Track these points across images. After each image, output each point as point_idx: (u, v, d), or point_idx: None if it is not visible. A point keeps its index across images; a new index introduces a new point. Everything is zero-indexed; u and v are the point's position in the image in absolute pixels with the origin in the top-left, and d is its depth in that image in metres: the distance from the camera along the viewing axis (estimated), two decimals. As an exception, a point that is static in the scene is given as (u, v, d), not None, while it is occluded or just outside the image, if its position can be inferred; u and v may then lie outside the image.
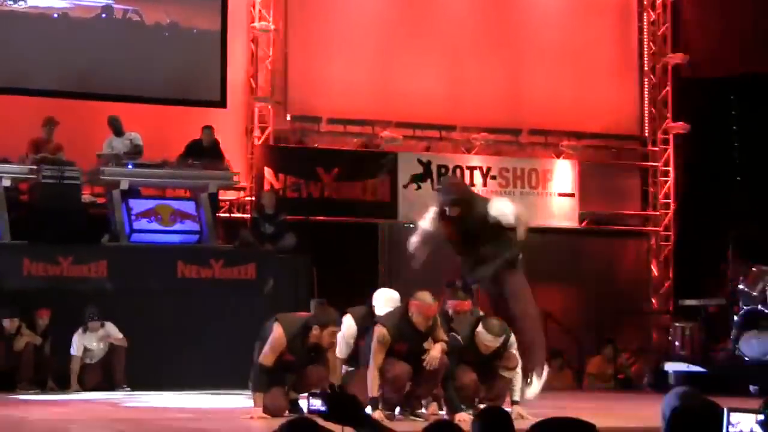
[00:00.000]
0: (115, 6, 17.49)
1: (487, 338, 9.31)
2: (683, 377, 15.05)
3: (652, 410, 6.05)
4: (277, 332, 10.01)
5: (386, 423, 7.73)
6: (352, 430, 4.65)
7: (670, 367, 15.57)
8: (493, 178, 18.46)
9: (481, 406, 9.02)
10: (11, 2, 17.32)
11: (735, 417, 4.29)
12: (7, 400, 12.28)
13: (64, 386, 13.80)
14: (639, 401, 13.15)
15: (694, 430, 4.26)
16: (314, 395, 4.97)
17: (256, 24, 17.90)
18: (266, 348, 9.93)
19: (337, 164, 17.83)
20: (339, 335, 9.99)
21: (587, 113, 19.59)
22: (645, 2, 19.90)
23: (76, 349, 13.90)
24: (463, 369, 9.54)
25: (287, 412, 9.92)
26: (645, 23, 19.90)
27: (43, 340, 13.94)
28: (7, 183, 15.04)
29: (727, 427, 4.25)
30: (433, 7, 19.18)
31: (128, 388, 13.80)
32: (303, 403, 8.57)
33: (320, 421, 4.33)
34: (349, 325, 10.18)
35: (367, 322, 10.19)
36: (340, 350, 10.03)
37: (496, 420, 4.37)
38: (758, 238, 16.47)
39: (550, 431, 4.19)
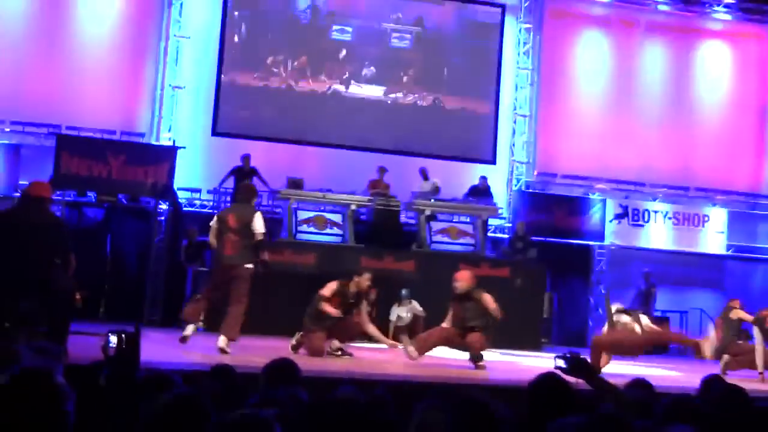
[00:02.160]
0: (424, 95, 20.77)
1: None
2: None
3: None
4: (331, 283, 11.83)
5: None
6: (584, 383, 5.11)
7: None
8: (670, 218, 20.89)
9: None
10: (356, 87, 20.39)
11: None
12: (347, 346, 12.87)
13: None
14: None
15: None
16: (559, 357, 5.26)
17: (517, 111, 20.89)
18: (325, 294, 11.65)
19: (565, 205, 20.47)
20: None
21: (736, 178, 22.07)
22: None
23: (393, 316, 15.87)
24: None
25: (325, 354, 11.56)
26: None
27: (372, 308, 14.64)
28: (353, 207, 17.18)
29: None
30: (632, 98, 21.65)
31: None
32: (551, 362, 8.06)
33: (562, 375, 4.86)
34: None
35: None
36: None
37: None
38: None
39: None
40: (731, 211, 21.61)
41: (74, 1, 19.10)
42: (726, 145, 22.02)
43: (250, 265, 11.03)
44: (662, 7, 22.02)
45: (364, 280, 12.27)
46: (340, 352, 12.18)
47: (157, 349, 10.35)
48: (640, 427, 3.96)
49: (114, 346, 5.25)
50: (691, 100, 22.07)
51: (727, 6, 22.05)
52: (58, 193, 16.49)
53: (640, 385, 5.28)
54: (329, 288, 12.07)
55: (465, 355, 11.71)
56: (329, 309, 11.89)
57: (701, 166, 21.81)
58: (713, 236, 21.26)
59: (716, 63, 22.45)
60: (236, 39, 19.95)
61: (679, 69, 22.13)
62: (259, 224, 11.02)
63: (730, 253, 21.45)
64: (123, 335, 5.23)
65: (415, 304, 16.08)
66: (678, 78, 22.09)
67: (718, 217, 21.46)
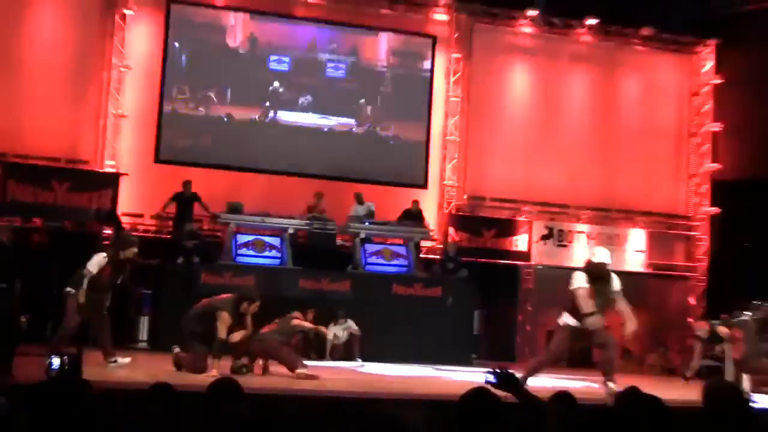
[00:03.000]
0: (359, 122, 20.88)
1: None
2: (709, 369, 16.44)
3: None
4: (224, 315, 11.62)
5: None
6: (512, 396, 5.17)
7: (704, 363, 16.80)
8: (592, 238, 20.94)
9: None
10: (292, 115, 20.35)
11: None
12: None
13: (321, 358, 15.78)
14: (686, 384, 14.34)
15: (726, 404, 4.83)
16: (489, 372, 5.34)
17: (448, 137, 20.95)
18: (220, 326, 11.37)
19: (494, 227, 20.67)
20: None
21: (655, 200, 22.35)
22: (691, 131, 22.62)
23: (330, 334, 15.87)
24: None
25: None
26: (692, 144, 22.59)
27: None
28: (291, 231, 17.40)
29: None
30: (557, 124, 21.78)
31: (360, 360, 15.93)
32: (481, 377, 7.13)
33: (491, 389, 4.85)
34: None
35: None
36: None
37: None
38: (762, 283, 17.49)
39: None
40: (651, 231, 22.03)
41: (19, 31, 19.03)
42: (645, 168, 22.30)
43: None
44: (584, 39, 22.28)
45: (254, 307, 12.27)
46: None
47: (101, 370, 10.56)
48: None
49: (56, 367, 5.52)
50: (612, 126, 22.37)
51: (645, 38, 22.52)
52: (4, 219, 16.68)
53: (562, 397, 5.36)
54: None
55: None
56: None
57: (622, 188, 22.11)
58: (634, 255, 21.57)
59: (635, 91, 22.81)
60: (177, 69, 20.04)
61: (601, 97, 22.40)
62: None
63: (649, 270, 21.82)
64: (65, 357, 5.50)
65: (351, 323, 16.40)
66: (600, 105, 22.36)
67: (638, 236, 21.84)
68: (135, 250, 12.09)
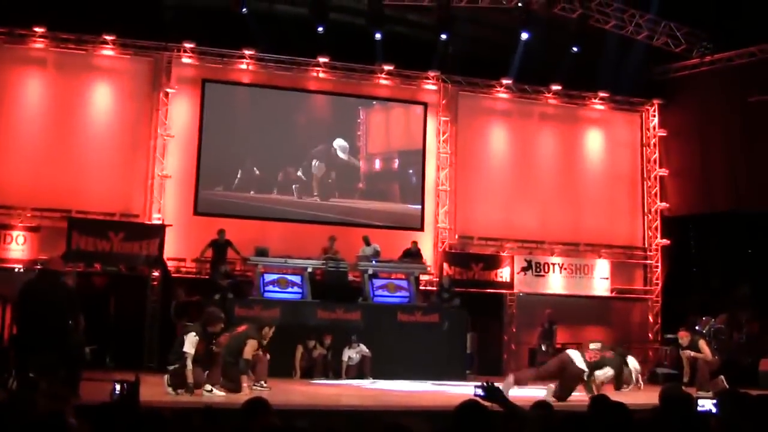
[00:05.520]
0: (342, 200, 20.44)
1: None
2: (666, 376, 17.09)
3: (652, 394, 6.11)
4: (253, 342, 12.00)
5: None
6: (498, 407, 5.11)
7: (660, 370, 17.86)
8: (565, 269, 21.00)
9: None
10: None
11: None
12: (309, 384, 14.04)
13: (337, 377, 15.82)
14: (642, 390, 14.22)
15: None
16: (478, 386, 5.28)
17: (440, 187, 20.84)
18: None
19: (481, 261, 20.46)
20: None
21: (616, 234, 22.19)
22: (644, 176, 22.49)
23: (345, 357, 16.07)
24: None
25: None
26: (646, 186, 22.45)
27: (327, 351, 16.01)
28: (310, 269, 17.27)
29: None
30: (531, 173, 21.68)
31: (371, 378, 15.74)
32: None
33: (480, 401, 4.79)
34: None
35: None
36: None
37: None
38: (707, 302, 18.49)
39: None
40: (613, 261, 21.88)
41: (82, 107, 19.18)
42: (607, 208, 22.21)
43: None
44: (552, 101, 22.26)
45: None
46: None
47: (155, 390, 10.47)
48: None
49: (118, 392, 5.57)
50: (577, 173, 22.26)
51: (602, 99, 22.52)
52: (69, 265, 16.65)
53: (541, 405, 5.36)
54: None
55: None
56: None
57: (588, 225, 21.99)
58: (600, 281, 21.41)
59: (595, 143, 22.72)
60: (212, 137, 20.05)
61: (567, 149, 22.31)
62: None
63: (613, 294, 21.70)
64: (125, 383, 5.55)
65: (363, 346, 16.26)
66: (567, 156, 22.24)
67: (603, 266, 21.66)
68: (222, 325, 11.77)
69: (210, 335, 11.44)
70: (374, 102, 21.25)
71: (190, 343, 11.02)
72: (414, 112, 21.47)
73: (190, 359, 10.92)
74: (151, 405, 6.69)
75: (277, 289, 16.79)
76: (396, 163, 21.18)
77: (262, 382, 12.35)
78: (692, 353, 13.92)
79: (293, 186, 20.33)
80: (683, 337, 14.18)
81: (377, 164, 21.01)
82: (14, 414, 4.32)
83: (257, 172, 20.19)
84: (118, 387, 5.62)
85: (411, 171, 21.21)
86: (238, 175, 20.02)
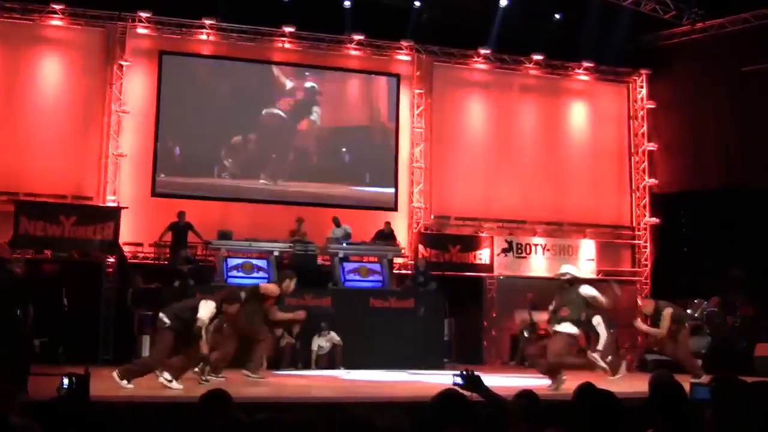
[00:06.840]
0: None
1: None
2: (656, 362, 16.36)
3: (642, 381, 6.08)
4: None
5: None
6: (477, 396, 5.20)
7: (650, 356, 17.18)
8: (548, 250, 21.15)
9: None
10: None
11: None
12: (276, 375, 13.91)
13: (307, 367, 15.91)
14: (630, 377, 13.79)
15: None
16: (456, 375, 5.36)
17: (415, 164, 20.93)
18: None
19: (459, 243, 20.55)
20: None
21: (602, 213, 22.37)
22: (631, 150, 22.71)
23: (315, 345, 16.09)
24: None
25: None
26: (633, 162, 22.61)
27: (296, 340, 15.99)
28: (276, 253, 17.24)
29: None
30: (511, 148, 21.76)
31: (343, 368, 15.77)
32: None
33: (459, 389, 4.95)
34: None
35: None
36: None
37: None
38: (698, 284, 18.63)
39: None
40: (599, 241, 22.02)
41: (29, 82, 19.02)
42: (592, 185, 22.34)
43: None
44: (533, 72, 22.32)
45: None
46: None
47: (109, 385, 10.37)
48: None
49: (66, 386, 5.48)
50: (561, 148, 22.37)
51: (586, 69, 22.60)
52: (17, 252, 16.49)
53: (525, 395, 5.24)
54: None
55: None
56: None
57: (572, 204, 22.10)
58: (585, 263, 21.37)
59: (580, 116, 22.82)
60: (168, 112, 19.93)
61: (550, 123, 22.38)
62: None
63: (600, 277, 21.22)
64: (73, 377, 5.46)
65: (333, 334, 16.31)
66: (549, 130, 22.33)
67: (588, 246, 21.79)
68: (238, 306, 11.59)
69: (217, 315, 11.03)
70: (342, 73, 21.36)
71: (207, 309, 10.65)
72: (382, 83, 21.51)
73: (205, 328, 10.55)
74: (102, 400, 6.60)
75: (241, 274, 16.68)
76: (365, 139, 21.25)
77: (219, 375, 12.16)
78: (645, 328, 14.10)
79: (257, 164, 20.33)
80: (647, 305, 14.24)
81: (345, 139, 21.15)
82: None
83: (218, 150, 20.16)
84: (66, 381, 5.52)
85: (382, 146, 21.25)
86: (199, 154, 19.98)
